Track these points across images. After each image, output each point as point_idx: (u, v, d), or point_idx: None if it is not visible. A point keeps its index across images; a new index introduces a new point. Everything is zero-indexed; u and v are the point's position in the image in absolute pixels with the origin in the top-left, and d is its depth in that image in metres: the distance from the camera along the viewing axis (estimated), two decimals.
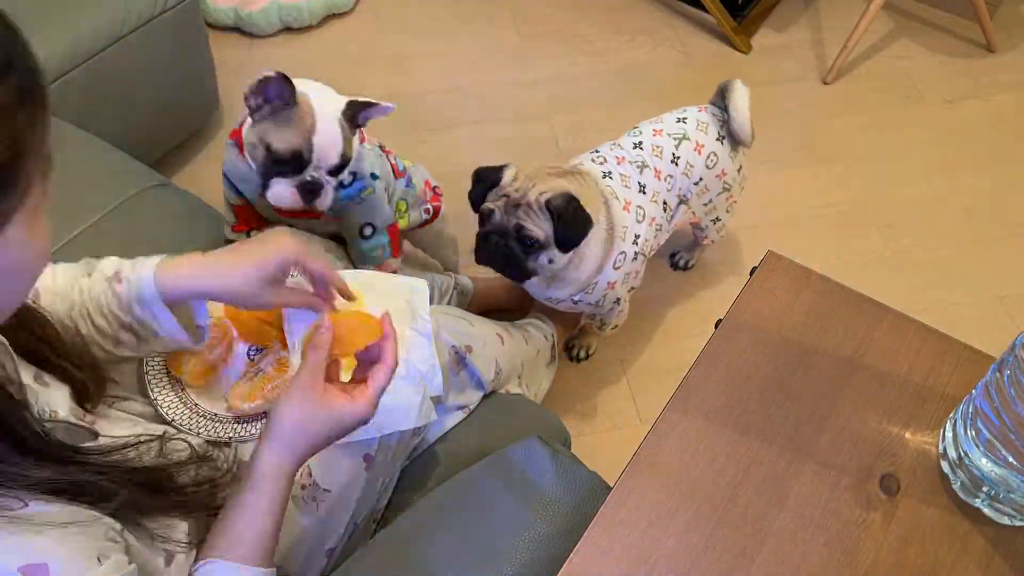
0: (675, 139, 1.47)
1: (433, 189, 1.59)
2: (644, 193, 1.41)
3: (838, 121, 2.15)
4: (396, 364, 0.84)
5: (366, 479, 0.97)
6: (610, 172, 1.40)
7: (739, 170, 1.57)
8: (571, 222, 1.24)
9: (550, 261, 1.29)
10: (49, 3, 1.51)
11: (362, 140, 1.30)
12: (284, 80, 1.10)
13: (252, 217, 1.34)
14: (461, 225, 1.87)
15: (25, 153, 0.52)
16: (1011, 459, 0.73)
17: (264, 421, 0.98)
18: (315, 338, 0.81)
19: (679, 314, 1.76)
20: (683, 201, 1.51)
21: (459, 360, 1.12)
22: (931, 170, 2.04)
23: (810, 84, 2.24)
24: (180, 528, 0.77)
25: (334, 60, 2.23)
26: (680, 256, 1.83)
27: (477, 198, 1.30)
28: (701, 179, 1.50)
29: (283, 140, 1.12)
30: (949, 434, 0.82)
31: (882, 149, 2.09)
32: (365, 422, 0.81)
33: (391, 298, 1.04)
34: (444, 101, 2.17)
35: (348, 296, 0.89)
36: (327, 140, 1.13)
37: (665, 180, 1.45)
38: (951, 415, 0.83)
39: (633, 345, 1.72)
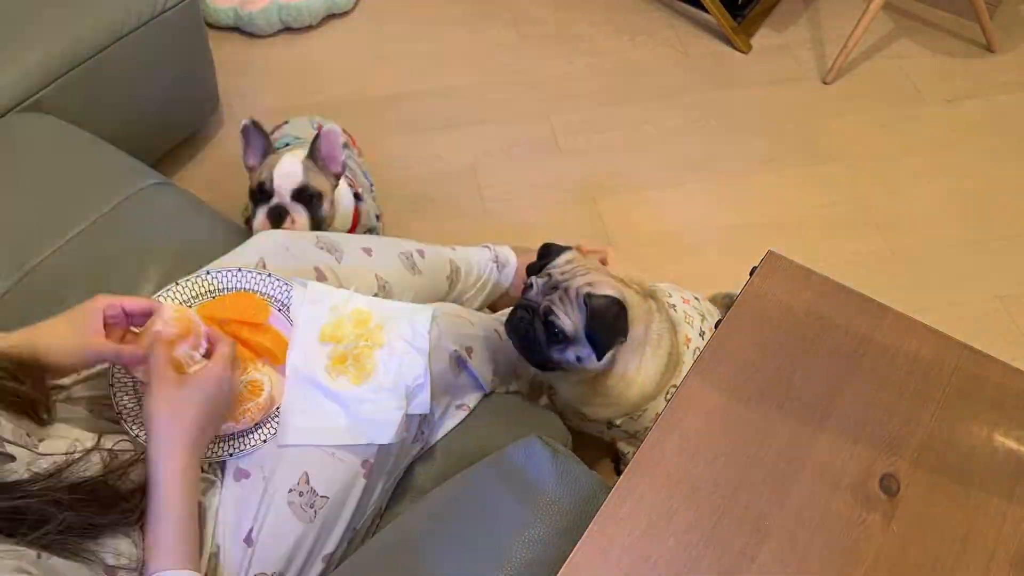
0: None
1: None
2: (703, 338, 1.29)
3: (838, 121, 2.15)
4: (229, 340, 0.94)
5: (364, 486, 0.97)
6: (675, 305, 1.30)
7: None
8: (604, 325, 1.11)
9: (578, 359, 1.16)
10: (50, 3, 1.51)
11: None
12: (255, 126, 1.43)
13: None
14: (462, 223, 1.88)
15: None
16: None
17: (232, 443, 0.97)
18: (154, 342, 0.88)
19: None
20: None
21: (459, 364, 1.12)
22: (931, 170, 2.04)
23: (810, 84, 2.24)
24: (125, 547, 0.79)
25: (334, 60, 2.23)
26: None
27: (531, 271, 1.22)
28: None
29: (256, 177, 1.42)
30: None
31: (882, 149, 2.09)
32: (220, 380, 0.88)
33: (394, 321, 1.05)
34: (444, 101, 2.16)
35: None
36: (284, 172, 1.38)
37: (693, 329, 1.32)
38: None
39: None
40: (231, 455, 0.96)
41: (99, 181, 1.35)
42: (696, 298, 1.37)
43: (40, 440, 0.82)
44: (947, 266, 1.86)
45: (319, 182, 1.40)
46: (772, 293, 0.95)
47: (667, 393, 1.23)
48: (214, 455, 0.95)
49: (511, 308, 1.21)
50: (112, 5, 1.55)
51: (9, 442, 0.76)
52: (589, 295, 1.12)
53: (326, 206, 1.42)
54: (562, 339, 1.14)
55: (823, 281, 0.96)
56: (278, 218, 1.37)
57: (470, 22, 2.38)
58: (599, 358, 1.13)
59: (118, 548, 0.77)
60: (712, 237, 1.89)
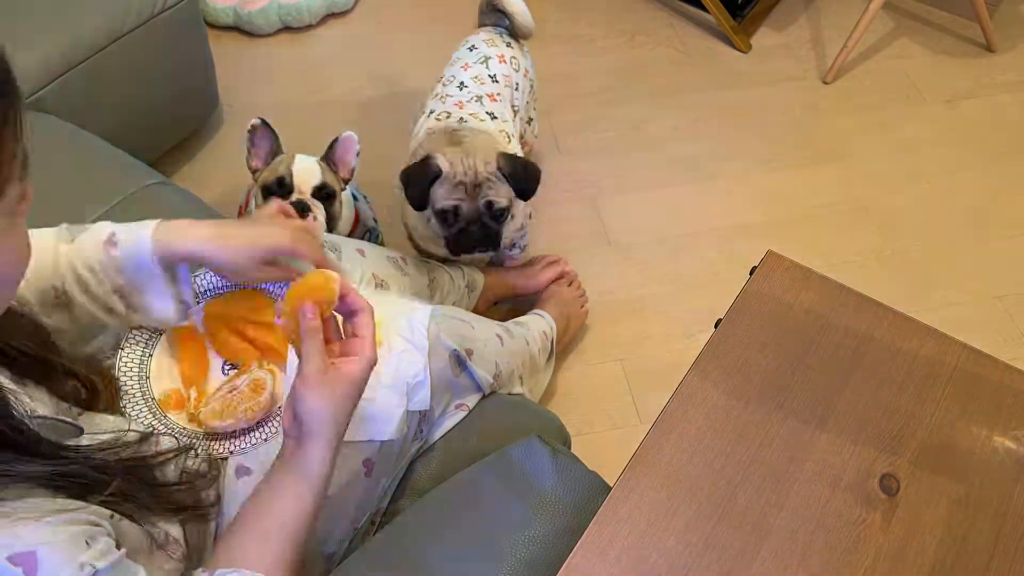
0: (482, 63, 1.59)
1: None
2: (496, 118, 1.51)
3: (838, 121, 2.15)
4: (370, 306, 0.85)
5: (366, 484, 0.97)
6: (462, 118, 1.47)
7: (532, 65, 1.72)
8: (525, 175, 1.35)
9: (512, 218, 1.42)
10: (49, 2, 1.51)
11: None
12: (265, 125, 1.44)
13: None
14: None
15: None
16: None
17: (234, 440, 0.97)
18: (306, 326, 0.80)
19: (679, 314, 1.76)
20: (516, 112, 1.62)
21: (459, 363, 1.12)
22: (931, 170, 2.04)
23: (810, 84, 2.24)
24: (176, 531, 0.78)
25: (334, 60, 2.23)
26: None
27: (421, 197, 1.35)
28: (518, 84, 1.63)
29: (272, 173, 1.42)
30: None
31: (882, 149, 2.09)
32: (374, 363, 0.83)
33: (393, 319, 1.05)
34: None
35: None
36: (303, 169, 1.41)
37: (500, 100, 1.55)
38: None
39: (633, 345, 1.71)
40: (232, 452, 0.96)
41: (99, 180, 1.35)
42: (460, 85, 1.58)
43: (80, 414, 0.81)
44: (947, 266, 1.86)
45: (333, 181, 1.45)
46: (772, 293, 0.95)
47: None
48: (216, 452, 0.95)
49: (460, 239, 1.39)
50: (112, 4, 1.55)
51: (53, 418, 0.75)
52: (499, 167, 1.33)
53: (337, 205, 1.45)
54: (503, 215, 1.38)
55: (823, 281, 0.96)
56: (300, 213, 1.36)
57: (470, 22, 2.37)
58: (527, 199, 1.41)
59: (169, 531, 0.77)
60: (712, 237, 1.89)
